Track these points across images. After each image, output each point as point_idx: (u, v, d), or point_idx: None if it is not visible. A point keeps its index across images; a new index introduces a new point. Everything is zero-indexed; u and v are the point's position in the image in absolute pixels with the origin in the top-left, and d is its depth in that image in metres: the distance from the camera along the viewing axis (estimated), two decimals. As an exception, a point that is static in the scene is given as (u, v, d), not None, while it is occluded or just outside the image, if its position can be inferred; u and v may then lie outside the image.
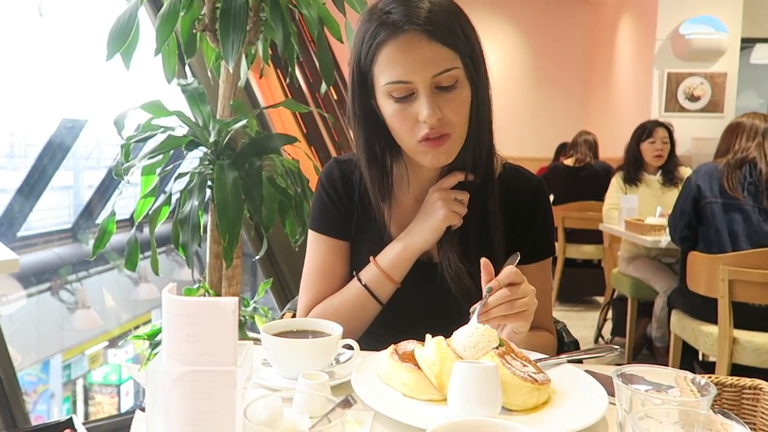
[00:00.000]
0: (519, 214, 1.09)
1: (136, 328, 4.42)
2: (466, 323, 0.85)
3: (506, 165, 1.12)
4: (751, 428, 0.79)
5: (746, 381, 0.80)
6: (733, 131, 2.43)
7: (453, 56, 0.95)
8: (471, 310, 0.89)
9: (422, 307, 1.06)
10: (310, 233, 1.14)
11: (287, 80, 2.01)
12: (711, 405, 0.72)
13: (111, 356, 4.50)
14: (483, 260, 0.91)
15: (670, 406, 0.61)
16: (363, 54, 0.98)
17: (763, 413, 0.78)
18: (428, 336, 0.84)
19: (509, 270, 0.89)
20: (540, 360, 0.89)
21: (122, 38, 1.55)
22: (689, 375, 0.68)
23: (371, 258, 1.07)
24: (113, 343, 4.44)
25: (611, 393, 0.72)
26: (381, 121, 1.02)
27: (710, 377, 0.79)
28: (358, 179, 1.10)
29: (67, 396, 4.22)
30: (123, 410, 4.24)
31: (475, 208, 1.06)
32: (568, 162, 4.56)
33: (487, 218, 1.06)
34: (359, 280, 1.07)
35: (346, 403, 0.51)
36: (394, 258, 1.05)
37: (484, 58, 1.02)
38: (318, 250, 1.12)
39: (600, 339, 3.73)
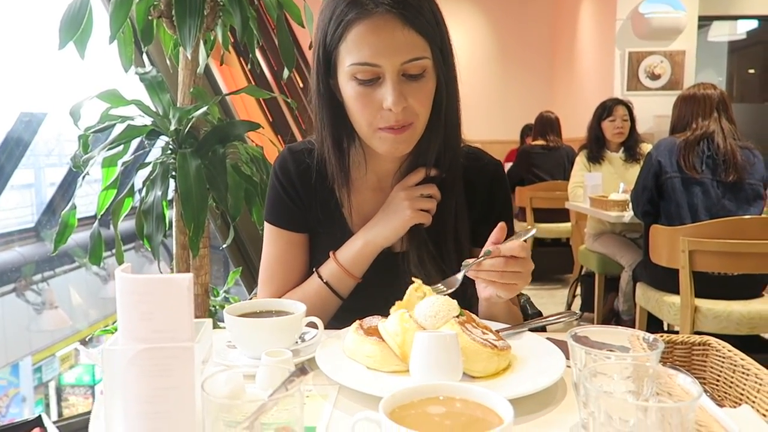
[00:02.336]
0: (479, 198, 1.09)
1: (107, 326, 4.34)
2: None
3: (463, 148, 1.10)
4: (701, 382, 0.82)
5: (696, 338, 0.83)
6: (687, 103, 2.49)
7: (424, 44, 0.93)
8: (463, 264, 0.90)
9: (384, 295, 1.04)
10: (267, 225, 1.11)
11: (249, 66, 1.98)
12: (663, 362, 0.75)
13: (83, 356, 4.42)
14: (500, 224, 0.91)
15: (620, 362, 0.63)
16: (330, 32, 0.94)
17: (712, 368, 0.81)
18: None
19: (516, 243, 0.89)
20: (502, 330, 0.91)
21: (75, 26, 1.51)
22: (641, 333, 0.70)
23: (331, 253, 1.06)
24: (84, 343, 4.36)
25: (569, 357, 0.74)
26: (339, 102, 0.99)
27: (661, 335, 0.82)
28: (315, 168, 1.07)
29: (39, 399, 4.14)
30: (97, 409, 4.18)
31: (441, 201, 1.05)
32: (539, 143, 4.62)
33: (454, 210, 1.05)
34: (320, 276, 1.06)
35: (303, 371, 0.51)
36: (354, 255, 1.04)
37: (452, 48, 1.00)
38: (275, 244, 1.10)
39: (570, 315, 3.81)
